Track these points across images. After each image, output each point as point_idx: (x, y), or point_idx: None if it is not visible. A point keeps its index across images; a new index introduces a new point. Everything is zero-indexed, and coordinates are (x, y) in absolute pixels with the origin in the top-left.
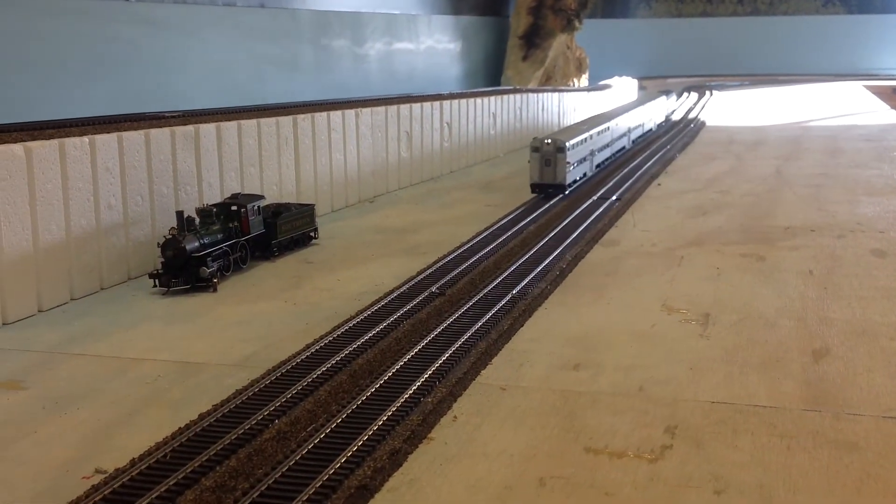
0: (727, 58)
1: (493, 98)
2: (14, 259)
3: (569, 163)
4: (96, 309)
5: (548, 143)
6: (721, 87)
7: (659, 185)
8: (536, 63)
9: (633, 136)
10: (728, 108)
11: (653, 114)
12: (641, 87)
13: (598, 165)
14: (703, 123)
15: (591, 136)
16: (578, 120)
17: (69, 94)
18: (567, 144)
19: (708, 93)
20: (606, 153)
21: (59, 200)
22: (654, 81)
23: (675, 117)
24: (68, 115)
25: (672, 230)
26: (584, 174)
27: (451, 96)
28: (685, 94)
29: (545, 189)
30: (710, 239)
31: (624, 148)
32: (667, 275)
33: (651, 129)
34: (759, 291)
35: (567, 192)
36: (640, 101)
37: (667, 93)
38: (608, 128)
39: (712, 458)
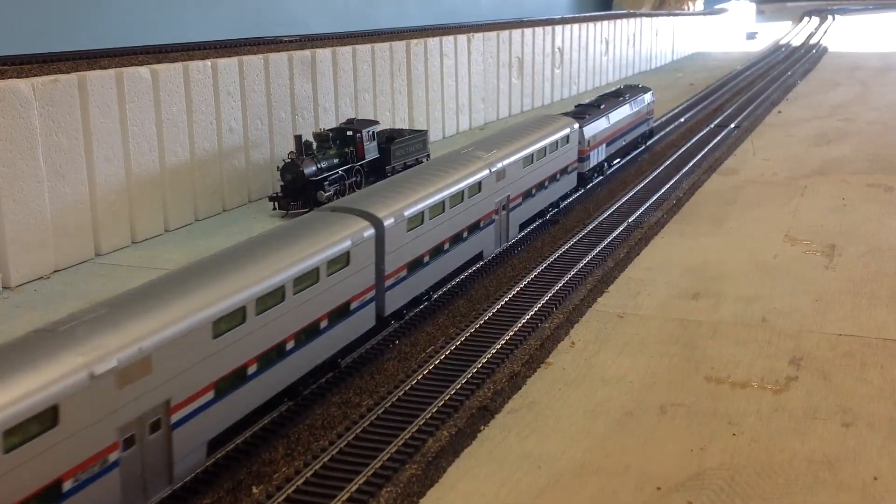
0: None
1: (605, 23)
2: (142, 180)
3: None
4: (219, 230)
5: None
6: (844, 12)
7: (779, 112)
8: None
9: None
10: (851, 34)
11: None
12: (759, 12)
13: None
14: (825, 49)
15: None
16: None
17: (191, 17)
18: None
19: (830, 17)
20: None
21: (184, 123)
22: (772, 6)
23: (795, 42)
24: (190, 38)
25: (794, 159)
26: None
27: (563, 21)
28: (805, 19)
29: None
30: (835, 168)
31: None
32: (789, 205)
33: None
34: (888, 223)
35: None
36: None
37: (599, 103)
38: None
39: (840, 390)
